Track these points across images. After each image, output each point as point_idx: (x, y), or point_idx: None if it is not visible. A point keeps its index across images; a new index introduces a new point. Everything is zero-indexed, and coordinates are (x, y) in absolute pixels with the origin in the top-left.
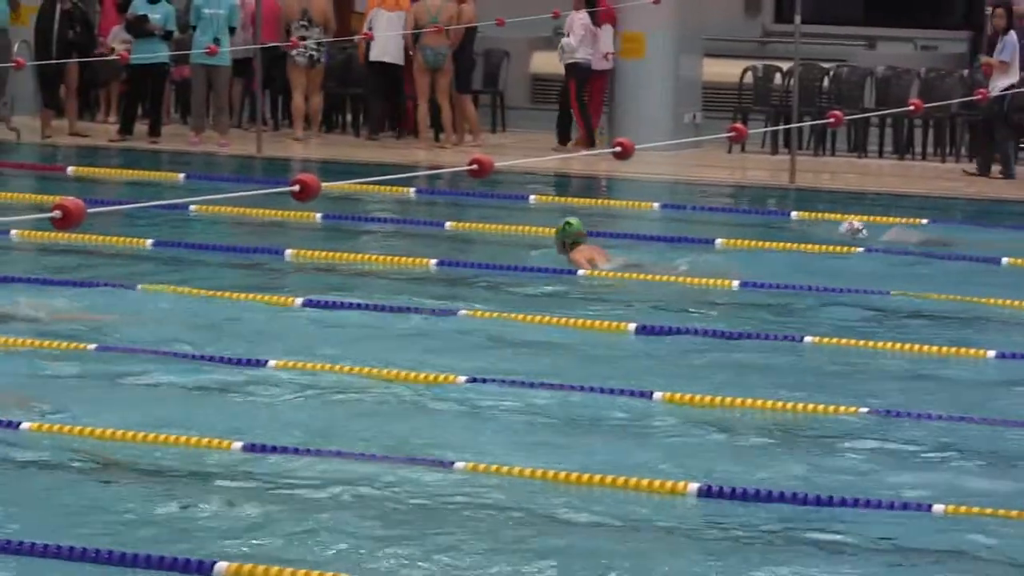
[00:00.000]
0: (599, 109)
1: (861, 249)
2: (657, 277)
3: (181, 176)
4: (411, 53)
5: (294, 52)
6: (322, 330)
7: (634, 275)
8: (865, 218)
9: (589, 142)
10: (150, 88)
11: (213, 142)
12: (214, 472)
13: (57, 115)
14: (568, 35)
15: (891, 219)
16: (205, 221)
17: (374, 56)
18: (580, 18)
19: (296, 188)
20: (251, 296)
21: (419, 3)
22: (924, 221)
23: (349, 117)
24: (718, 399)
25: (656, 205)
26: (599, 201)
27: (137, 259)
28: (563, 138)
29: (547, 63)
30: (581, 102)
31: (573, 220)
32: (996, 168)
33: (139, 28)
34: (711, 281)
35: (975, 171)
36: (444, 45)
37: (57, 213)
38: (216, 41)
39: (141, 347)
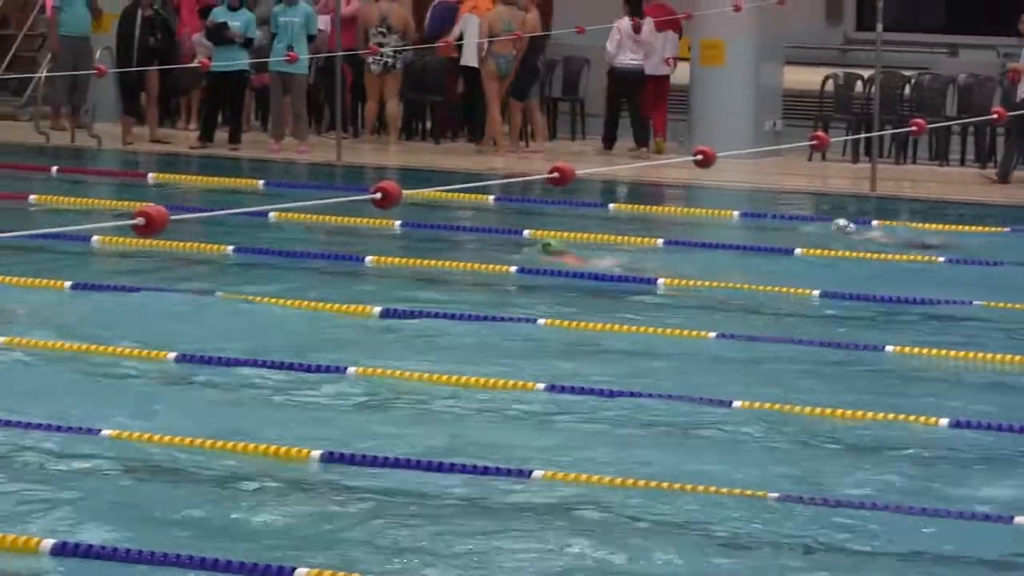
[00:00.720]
0: (660, 114)
1: (942, 259)
2: (736, 285)
3: (261, 183)
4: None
5: (370, 59)
6: (401, 338)
7: (713, 283)
8: (946, 227)
9: (645, 147)
10: (230, 95)
11: (293, 149)
12: (293, 480)
13: (138, 122)
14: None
15: (973, 228)
16: (285, 228)
17: (464, 61)
18: (619, 23)
19: (378, 196)
20: (330, 304)
21: (492, 11)
22: (1006, 230)
23: (428, 124)
24: (798, 407)
25: (736, 213)
26: (678, 209)
27: (217, 265)
28: (608, 142)
29: None
30: (633, 107)
31: (552, 241)
32: None
33: (219, 35)
34: (791, 289)
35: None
36: (514, 53)
37: (140, 220)
38: (292, 48)
39: (220, 355)
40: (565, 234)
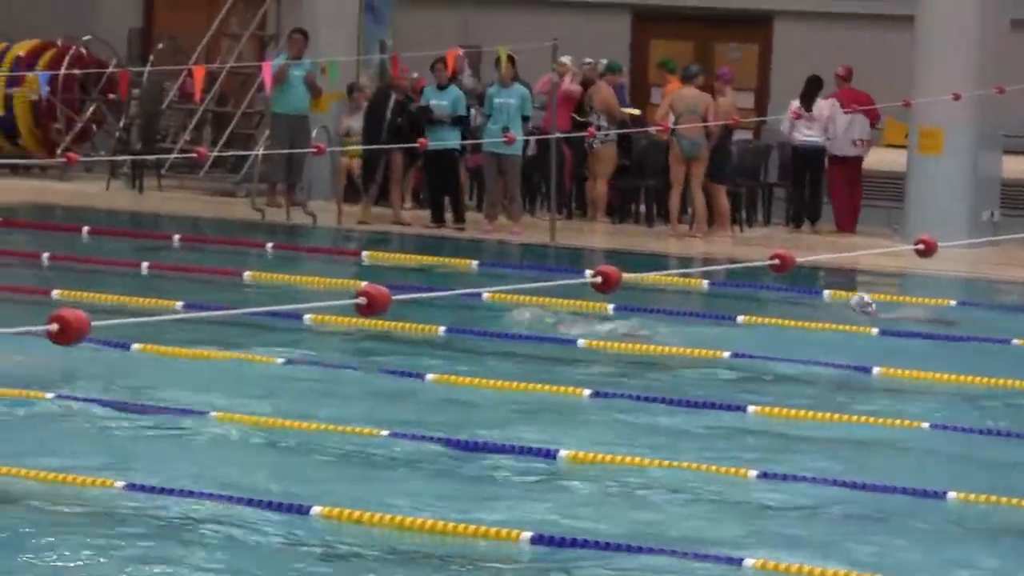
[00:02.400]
0: (853, 198)
1: None
2: (952, 376)
3: (474, 263)
4: (666, 140)
5: (586, 140)
6: (613, 421)
7: (933, 375)
8: None
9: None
10: (444, 174)
11: (506, 229)
12: (503, 559)
13: (352, 201)
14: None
15: None
16: (498, 309)
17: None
18: (792, 102)
19: (598, 279)
20: (541, 384)
21: (675, 92)
22: None
23: (643, 207)
24: (1015, 500)
25: (953, 302)
26: (893, 296)
27: (429, 346)
28: (796, 220)
29: None
30: (812, 183)
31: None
32: None
33: (426, 118)
34: (1008, 381)
35: None
36: (699, 135)
37: (362, 300)
38: (506, 130)
39: (430, 434)
40: (781, 320)
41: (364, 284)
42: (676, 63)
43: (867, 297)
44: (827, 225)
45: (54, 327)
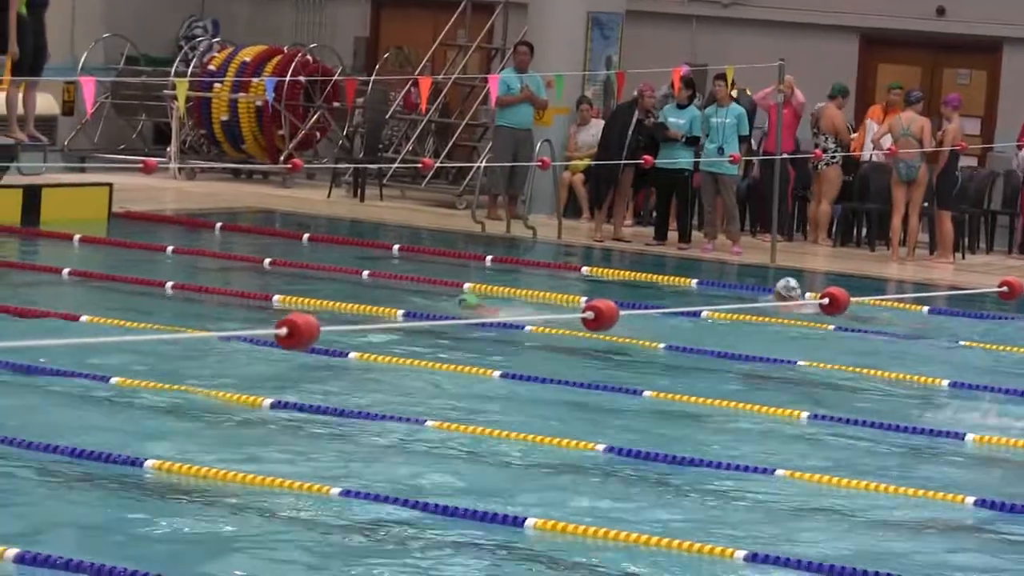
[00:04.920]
0: None
1: None
2: None
3: (693, 282)
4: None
5: (812, 162)
6: (826, 443)
7: None
8: None
9: None
10: (674, 193)
11: (725, 249)
12: None
13: (572, 216)
14: None
15: None
16: (715, 328)
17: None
18: None
19: (826, 301)
20: (757, 406)
21: (894, 116)
22: None
23: (864, 230)
24: None
25: None
26: None
27: (647, 363)
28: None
29: None
30: None
31: (468, 296)
32: None
33: (660, 135)
34: None
35: None
36: (917, 158)
37: (590, 314)
38: (721, 150)
39: (647, 451)
40: (1003, 347)
41: (592, 299)
42: (904, 87)
43: (792, 282)
44: None
45: (283, 331)
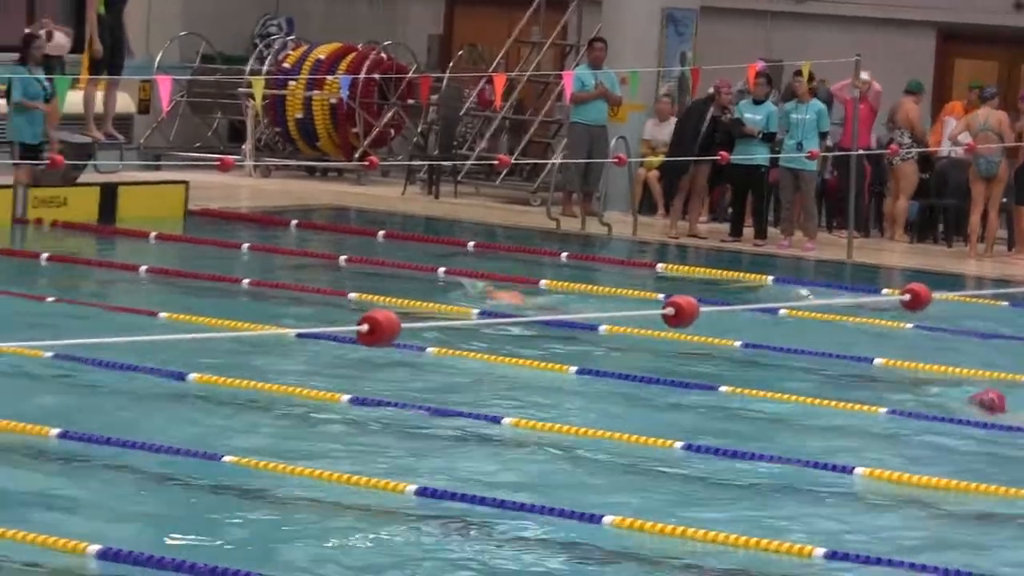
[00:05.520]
0: None
1: None
2: None
3: (769, 279)
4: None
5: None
6: (905, 440)
7: None
8: None
9: None
10: (750, 190)
11: (801, 245)
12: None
13: (647, 212)
14: None
15: None
16: (792, 325)
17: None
18: None
19: (907, 297)
20: (834, 402)
21: (972, 113)
22: None
23: (941, 227)
24: None
25: None
26: None
27: (724, 360)
28: None
29: None
30: None
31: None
32: None
33: (736, 131)
34: None
35: None
36: (997, 154)
37: (670, 310)
38: (799, 146)
39: (724, 447)
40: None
41: (675, 296)
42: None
43: (804, 291)
44: None
45: (364, 328)
